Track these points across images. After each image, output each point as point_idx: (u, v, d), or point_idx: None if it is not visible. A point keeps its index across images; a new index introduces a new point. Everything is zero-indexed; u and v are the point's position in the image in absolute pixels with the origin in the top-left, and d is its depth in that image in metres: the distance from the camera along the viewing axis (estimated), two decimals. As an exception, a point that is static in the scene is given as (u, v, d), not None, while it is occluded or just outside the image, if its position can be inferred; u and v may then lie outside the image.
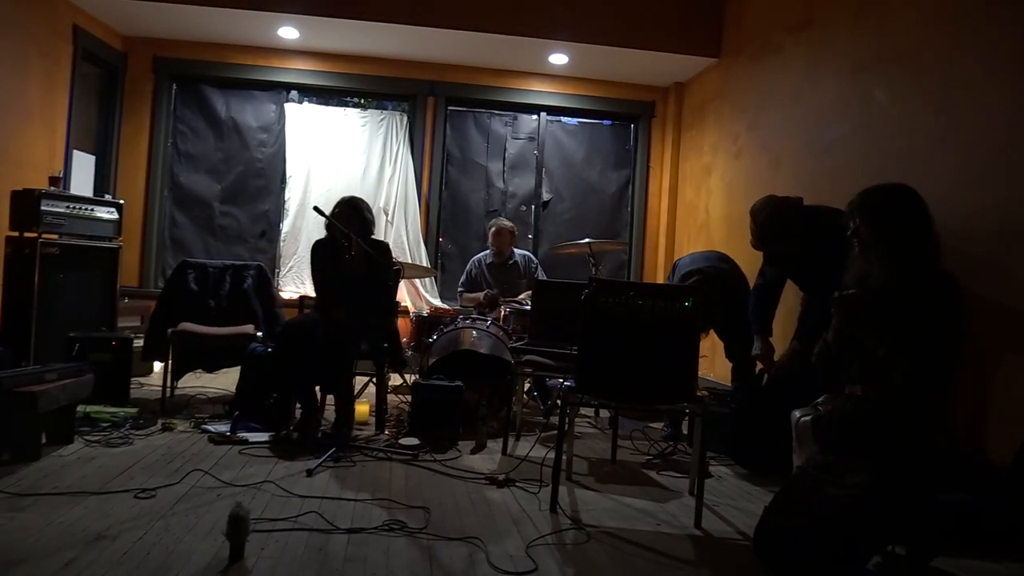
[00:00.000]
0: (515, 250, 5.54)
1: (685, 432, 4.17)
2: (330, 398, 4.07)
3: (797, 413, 3.38)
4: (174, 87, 6.50)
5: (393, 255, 4.37)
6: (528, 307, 4.72)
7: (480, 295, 5.31)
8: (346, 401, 3.77)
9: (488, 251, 5.55)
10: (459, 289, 5.59)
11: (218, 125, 6.56)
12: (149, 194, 6.40)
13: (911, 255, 2.42)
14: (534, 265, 5.52)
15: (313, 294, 4.25)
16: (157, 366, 5.29)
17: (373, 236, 4.10)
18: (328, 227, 4.00)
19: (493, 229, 5.47)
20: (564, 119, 7.01)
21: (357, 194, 6.50)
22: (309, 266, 4.23)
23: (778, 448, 3.22)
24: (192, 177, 6.55)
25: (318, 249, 4.10)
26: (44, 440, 3.28)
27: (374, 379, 4.29)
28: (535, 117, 6.94)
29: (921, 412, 2.39)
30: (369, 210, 4.09)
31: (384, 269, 4.05)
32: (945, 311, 2.36)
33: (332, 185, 6.43)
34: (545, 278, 5.45)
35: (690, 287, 3.67)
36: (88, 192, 5.74)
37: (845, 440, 2.44)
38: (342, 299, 3.93)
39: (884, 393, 2.41)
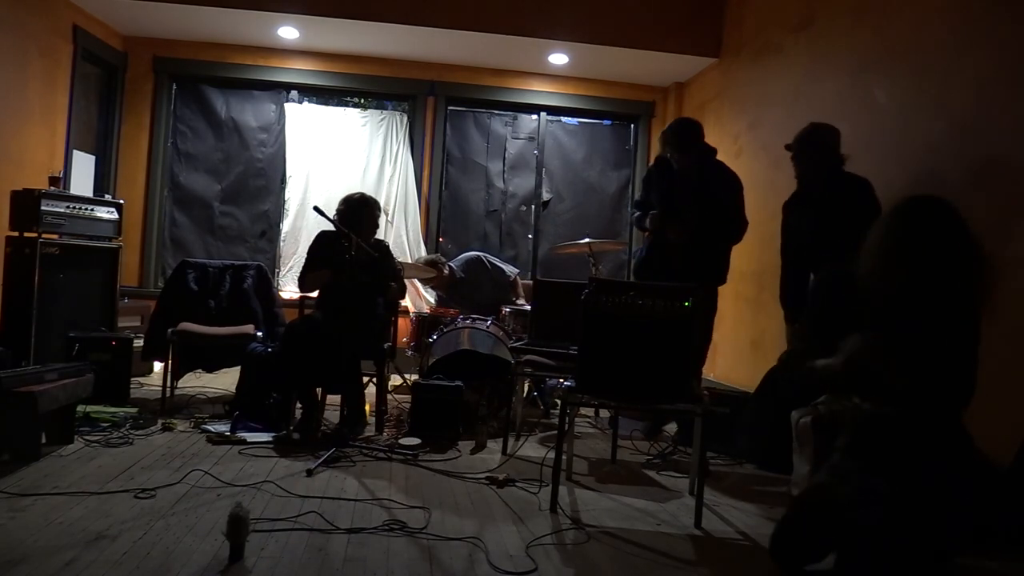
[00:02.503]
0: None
1: (667, 430, 4.17)
2: (331, 398, 4.07)
3: (796, 414, 3.38)
4: (174, 87, 6.50)
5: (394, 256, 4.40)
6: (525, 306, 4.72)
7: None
8: (355, 399, 3.78)
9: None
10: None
11: (218, 125, 6.56)
12: (149, 194, 6.40)
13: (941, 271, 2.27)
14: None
15: (313, 295, 4.26)
16: (157, 366, 5.29)
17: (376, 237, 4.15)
18: (338, 214, 4.06)
19: (426, 270, 5.40)
20: (564, 119, 7.01)
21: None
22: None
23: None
24: (192, 177, 6.55)
25: (322, 238, 4.14)
26: (44, 440, 3.28)
27: (374, 379, 4.28)
28: (535, 117, 6.94)
29: (951, 427, 2.27)
30: (379, 206, 4.17)
31: (383, 269, 4.07)
32: (967, 336, 2.26)
33: (332, 185, 6.42)
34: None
35: (688, 287, 3.67)
36: (88, 192, 5.73)
37: (872, 452, 2.31)
38: (341, 295, 3.94)
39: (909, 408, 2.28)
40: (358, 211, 4.06)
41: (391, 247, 4.42)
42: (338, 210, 4.09)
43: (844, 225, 3.24)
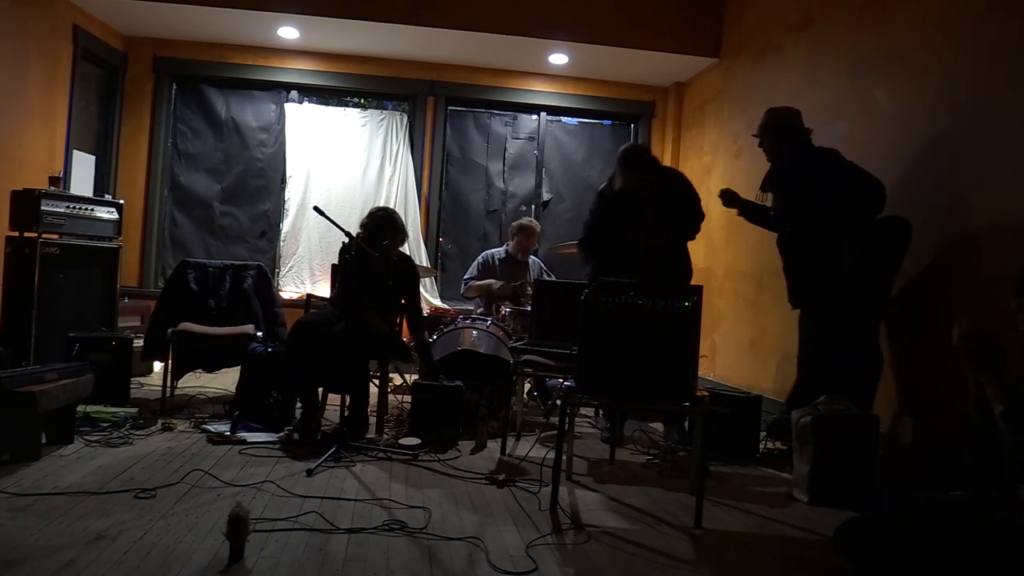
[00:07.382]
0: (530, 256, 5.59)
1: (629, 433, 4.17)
2: (332, 398, 4.07)
3: (796, 413, 3.39)
4: (174, 87, 6.50)
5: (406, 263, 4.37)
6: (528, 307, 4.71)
7: (490, 283, 5.27)
8: (361, 402, 3.76)
9: (504, 247, 5.52)
10: (466, 279, 5.47)
11: (218, 125, 6.56)
12: (149, 194, 6.40)
13: None
14: (545, 274, 5.52)
15: (315, 293, 4.25)
16: (157, 366, 5.29)
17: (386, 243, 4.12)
18: (362, 228, 4.05)
19: (526, 230, 5.41)
20: (564, 119, 7.01)
21: (357, 194, 6.52)
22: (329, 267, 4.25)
23: None
24: (192, 177, 6.55)
25: (341, 251, 4.14)
26: (44, 440, 3.28)
27: (376, 379, 4.28)
28: (535, 117, 6.94)
29: None
30: (402, 232, 4.16)
31: (387, 269, 4.06)
32: None
33: (332, 185, 6.43)
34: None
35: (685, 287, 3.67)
36: (88, 192, 5.73)
37: None
38: (363, 301, 3.91)
39: None
40: (379, 223, 4.05)
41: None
42: (363, 222, 4.12)
43: (810, 202, 3.53)
